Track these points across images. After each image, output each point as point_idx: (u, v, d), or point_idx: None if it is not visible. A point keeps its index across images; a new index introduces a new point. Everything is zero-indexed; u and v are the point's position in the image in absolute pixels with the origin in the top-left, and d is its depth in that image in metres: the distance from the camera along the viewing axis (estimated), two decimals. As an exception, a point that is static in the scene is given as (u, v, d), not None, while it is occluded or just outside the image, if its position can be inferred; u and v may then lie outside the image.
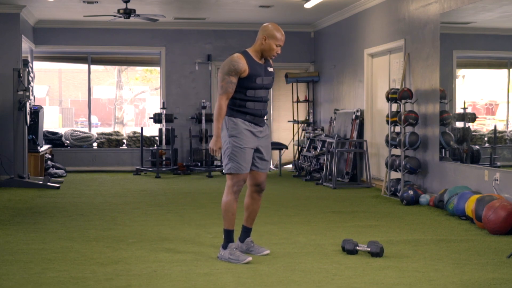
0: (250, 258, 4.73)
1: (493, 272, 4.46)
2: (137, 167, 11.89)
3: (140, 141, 12.42)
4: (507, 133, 7.46)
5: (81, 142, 12.54)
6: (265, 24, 4.87)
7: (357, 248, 4.97)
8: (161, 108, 12.43)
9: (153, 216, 7.03)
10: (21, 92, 9.69)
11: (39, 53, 12.74)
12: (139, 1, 10.22)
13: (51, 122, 20.93)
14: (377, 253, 4.88)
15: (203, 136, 12.17)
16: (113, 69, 22.45)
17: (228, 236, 4.84)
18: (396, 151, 8.76)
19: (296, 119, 12.77)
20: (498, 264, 4.72)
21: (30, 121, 10.16)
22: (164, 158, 12.24)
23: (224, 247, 4.83)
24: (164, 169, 11.77)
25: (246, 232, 5.05)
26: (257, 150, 4.89)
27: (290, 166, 13.06)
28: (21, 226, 6.29)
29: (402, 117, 8.28)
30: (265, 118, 5.00)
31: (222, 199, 4.87)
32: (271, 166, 13.03)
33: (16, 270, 4.50)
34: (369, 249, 4.91)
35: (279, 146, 12.11)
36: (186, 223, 6.55)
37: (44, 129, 11.88)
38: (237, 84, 4.78)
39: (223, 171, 4.92)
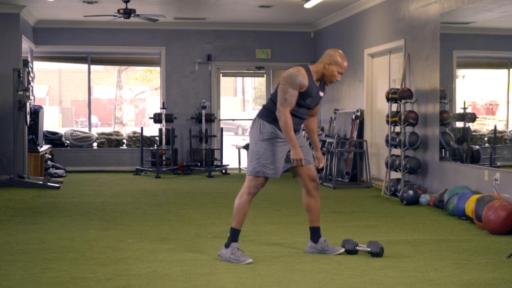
0: (250, 260, 4.72)
1: (493, 272, 4.46)
2: (137, 167, 11.89)
3: (140, 141, 12.42)
4: (507, 133, 7.46)
5: (81, 142, 12.54)
6: (331, 50, 4.86)
7: (357, 248, 4.97)
8: (161, 108, 12.43)
9: (153, 216, 7.03)
10: (21, 92, 9.69)
11: (39, 53, 12.74)
12: (139, 1, 10.22)
13: (51, 122, 20.92)
14: (377, 253, 4.88)
15: (203, 136, 12.17)
16: (113, 69, 22.45)
17: (234, 235, 4.84)
18: (396, 151, 8.76)
19: (296, 119, 12.75)
20: (498, 264, 4.72)
21: (30, 121, 10.15)
22: (164, 158, 12.24)
23: (227, 246, 4.82)
24: (164, 169, 11.78)
25: (316, 232, 5.05)
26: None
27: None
28: (21, 226, 6.29)
29: (402, 117, 8.28)
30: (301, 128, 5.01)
31: (236, 198, 4.88)
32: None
33: (16, 270, 4.50)
34: (369, 249, 4.91)
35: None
36: (186, 223, 6.55)
37: (44, 129, 11.88)
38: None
39: (247, 172, 4.91)
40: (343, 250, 5.01)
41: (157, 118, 12.13)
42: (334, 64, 4.80)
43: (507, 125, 7.43)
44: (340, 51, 4.87)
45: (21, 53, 10.80)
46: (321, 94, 4.92)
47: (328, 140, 10.45)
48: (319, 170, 10.75)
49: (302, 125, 5.04)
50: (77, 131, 12.89)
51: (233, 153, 14.14)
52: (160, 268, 4.57)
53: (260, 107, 5.14)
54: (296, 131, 4.87)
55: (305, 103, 4.81)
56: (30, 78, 10.37)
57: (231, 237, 4.84)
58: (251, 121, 5.00)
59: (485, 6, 7.24)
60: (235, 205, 4.86)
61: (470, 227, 6.26)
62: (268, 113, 4.84)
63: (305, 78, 4.73)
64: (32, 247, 5.29)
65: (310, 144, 5.56)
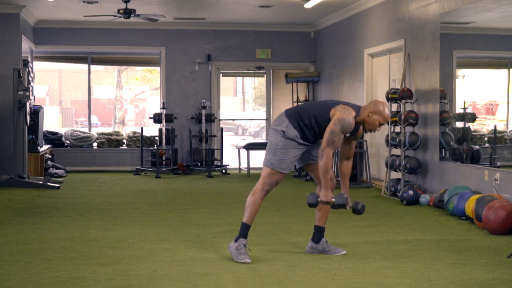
0: (248, 260, 4.73)
1: (493, 272, 4.46)
2: (137, 167, 11.89)
3: (140, 141, 12.42)
4: (507, 133, 7.46)
5: (81, 142, 12.54)
6: (378, 100, 4.88)
7: (319, 199, 4.80)
8: (161, 108, 12.43)
9: (153, 216, 7.03)
10: (21, 92, 9.69)
11: (39, 53, 12.74)
12: (139, 1, 10.22)
13: (51, 122, 20.92)
14: (340, 205, 4.71)
15: (203, 136, 12.17)
16: (113, 69, 22.44)
17: (243, 230, 4.85)
18: (396, 151, 8.76)
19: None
20: (498, 264, 4.72)
21: (30, 121, 10.15)
22: (164, 158, 12.24)
23: (236, 239, 4.85)
24: (164, 169, 11.78)
25: (321, 232, 5.05)
26: (309, 151, 4.95)
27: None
28: (21, 226, 6.29)
29: (402, 117, 8.28)
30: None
31: (250, 193, 4.90)
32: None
33: (16, 270, 4.50)
34: (334, 200, 4.75)
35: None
36: (186, 223, 6.55)
37: (44, 129, 11.88)
38: (317, 119, 4.80)
39: (263, 163, 4.92)
40: (344, 252, 5.02)
41: (157, 118, 12.13)
42: (377, 114, 4.80)
43: (507, 125, 7.43)
44: (387, 104, 4.91)
45: (21, 53, 10.80)
46: (347, 134, 4.90)
47: (328, 140, 10.43)
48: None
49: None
50: (77, 131, 12.89)
51: (233, 153, 14.14)
52: (160, 268, 4.57)
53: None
54: (311, 143, 4.92)
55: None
56: (30, 78, 10.37)
57: (240, 232, 4.86)
58: (276, 117, 5.00)
59: (485, 6, 7.24)
60: (247, 200, 4.89)
61: (470, 227, 6.26)
62: (296, 119, 4.86)
63: (353, 125, 4.78)
64: (32, 247, 5.29)
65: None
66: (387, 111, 4.84)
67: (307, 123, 4.83)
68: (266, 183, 4.88)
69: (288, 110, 5.00)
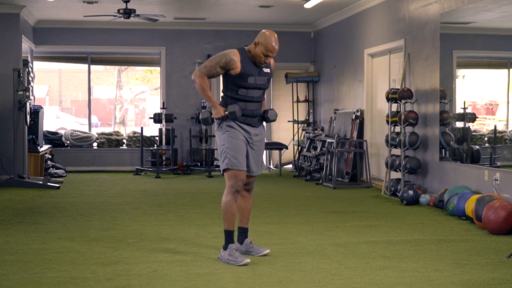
0: (248, 260, 4.71)
1: (493, 272, 4.46)
2: (137, 167, 11.89)
3: (140, 141, 12.42)
4: (507, 133, 7.46)
5: (81, 142, 12.54)
6: (263, 31, 4.80)
7: (213, 116, 4.83)
8: (161, 108, 12.44)
9: (153, 216, 7.03)
10: (21, 92, 9.69)
11: (39, 53, 12.74)
12: (139, 1, 10.22)
13: (51, 122, 20.91)
14: (232, 113, 4.71)
15: (203, 136, 12.17)
16: (113, 69, 22.44)
17: (228, 237, 4.83)
18: (396, 151, 8.76)
19: (296, 119, 12.77)
20: (498, 264, 4.72)
21: (30, 121, 10.16)
22: (164, 158, 12.24)
23: (225, 248, 4.82)
24: (164, 169, 11.78)
25: (243, 232, 5.02)
26: (249, 144, 4.87)
27: (290, 166, 13.05)
28: (21, 226, 6.29)
29: (402, 117, 8.28)
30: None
31: (221, 200, 4.87)
32: (271, 166, 13.04)
33: (16, 270, 4.50)
34: (227, 113, 4.75)
35: (279, 146, 12.11)
36: (186, 223, 6.55)
37: (44, 129, 11.88)
38: (230, 81, 4.78)
39: (221, 171, 4.90)
40: (267, 251, 4.95)
41: (157, 118, 12.12)
42: (260, 45, 4.72)
43: (507, 125, 7.43)
44: (272, 33, 4.74)
45: (21, 53, 10.80)
46: (266, 70, 4.85)
47: (328, 140, 10.45)
48: (312, 171, 10.75)
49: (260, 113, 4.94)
50: (77, 131, 12.90)
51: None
52: (160, 268, 4.57)
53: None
54: (252, 116, 4.84)
55: (250, 84, 4.77)
56: (30, 78, 10.37)
57: (226, 239, 4.83)
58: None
59: (485, 6, 7.24)
60: (221, 207, 4.85)
61: (470, 227, 6.26)
62: (225, 100, 4.83)
63: (233, 58, 4.70)
64: (32, 247, 5.29)
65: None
66: (271, 41, 4.69)
67: (229, 94, 4.78)
68: (231, 185, 4.80)
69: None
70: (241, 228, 5.03)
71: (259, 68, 4.82)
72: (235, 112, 4.73)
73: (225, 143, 4.80)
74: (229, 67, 4.72)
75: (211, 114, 4.83)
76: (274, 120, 4.93)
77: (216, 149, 12.52)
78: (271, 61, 4.92)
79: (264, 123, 5.05)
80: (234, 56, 4.72)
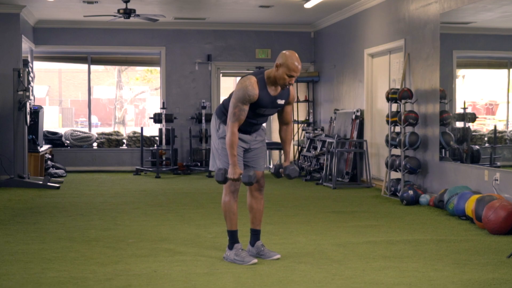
0: (255, 260, 4.70)
1: (493, 272, 4.46)
2: (137, 167, 11.89)
3: (140, 141, 12.42)
4: (507, 133, 7.46)
5: (81, 142, 12.54)
6: (283, 52, 4.62)
7: (227, 176, 4.66)
8: (161, 108, 12.44)
9: (153, 216, 7.03)
10: (21, 92, 9.69)
11: (39, 53, 12.74)
12: (139, 1, 10.22)
13: (51, 122, 20.93)
14: (246, 183, 4.59)
15: (203, 136, 12.18)
16: (113, 69, 22.46)
17: (232, 237, 4.81)
18: (396, 151, 8.76)
19: (296, 119, 12.77)
20: (498, 264, 4.72)
21: (30, 121, 10.15)
22: (164, 158, 12.24)
23: (230, 247, 4.80)
24: (164, 169, 11.78)
25: (255, 235, 4.94)
26: (248, 150, 4.84)
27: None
28: (21, 226, 6.29)
29: (402, 117, 8.28)
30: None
31: (221, 202, 4.85)
32: (271, 166, 13.03)
33: (16, 270, 4.50)
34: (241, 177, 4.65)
35: (279, 146, 12.10)
36: (186, 223, 6.55)
37: (44, 129, 11.88)
38: None
39: (210, 167, 4.88)
40: (278, 256, 4.84)
41: (157, 118, 12.13)
42: (282, 66, 4.52)
43: (507, 125, 7.43)
44: (292, 52, 4.56)
45: (21, 53, 10.80)
46: (281, 102, 4.71)
47: (328, 140, 10.45)
48: (312, 171, 10.75)
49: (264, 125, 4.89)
50: (77, 131, 12.90)
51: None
52: (160, 268, 4.57)
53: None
54: (248, 134, 4.78)
55: (257, 114, 4.68)
56: (30, 78, 10.36)
57: (231, 240, 4.81)
58: (212, 116, 4.93)
59: (485, 6, 7.24)
60: (221, 208, 4.83)
61: (470, 227, 6.26)
62: (223, 114, 4.77)
63: (254, 91, 4.54)
64: (32, 247, 5.29)
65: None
66: (293, 61, 4.51)
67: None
68: (227, 186, 4.77)
69: (217, 107, 4.89)
70: (253, 230, 4.94)
71: (273, 99, 4.66)
72: (251, 180, 4.59)
73: (218, 147, 4.79)
74: (252, 101, 4.59)
75: (225, 174, 4.67)
76: (295, 177, 4.79)
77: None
78: (292, 92, 4.78)
79: (264, 124, 5.03)
80: (254, 90, 4.55)
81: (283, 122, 4.92)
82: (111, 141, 12.72)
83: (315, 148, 11.21)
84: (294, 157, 12.58)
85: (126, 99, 23.08)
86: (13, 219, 6.76)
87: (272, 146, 12.14)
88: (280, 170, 4.80)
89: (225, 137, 4.67)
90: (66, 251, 5.13)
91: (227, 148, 4.61)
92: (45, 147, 11.32)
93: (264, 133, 5.03)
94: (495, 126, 7.63)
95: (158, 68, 13.66)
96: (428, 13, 8.19)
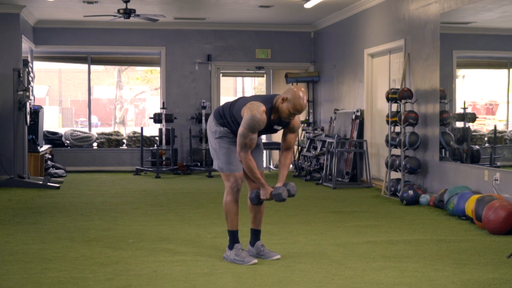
0: (255, 261, 4.71)
1: (493, 272, 4.46)
2: (137, 167, 11.89)
3: (140, 141, 12.42)
4: (507, 133, 7.46)
5: (81, 142, 12.54)
6: (291, 87, 4.63)
7: (261, 197, 4.74)
8: (161, 108, 12.44)
9: (153, 216, 7.03)
10: (21, 92, 9.69)
11: (39, 53, 12.74)
12: (139, 1, 10.22)
13: (51, 122, 20.92)
14: (278, 201, 4.66)
15: (203, 136, 12.18)
16: (113, 69, 22.44)
17: (233, 237, 4.82)
18: (396, 151, 8.76)
19: (296, 119, 12.75)
20: (498, 264, 4.72)
21: (30, 121, 10.16)
22: (164, 158, 12.24)
23: (230, 247, 4.80)
24: (164, 169, 11.78)
25: (255, 234, 4.96)
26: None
27: (290, 166, 13.04)
28: (21, 226, 6.29)
29: (402, 117, 8.28)
30: None
31: (223, 202, 4.86)
32: (271, 166, 13.04)
33: (16, 270, 4.50)
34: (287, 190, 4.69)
35: (279, 146, 12.09)
36: (186, 223, 6.55)
37: (44, 129, 11.88)
38: (238, 120, 4.66)
39: (214, 167, 4.90)
40: (278, 256, 4.85)
41: (157, 118, 12.13)
42: (288, 102, 4.56)
43: (507, 125, 7.43)
44: (302, 91, 4.56)
45: (21, 53, 10.80)
46: (278, 127, 4.76)
47: (328, 140, 10.45)
48: (312, 171, 10.76)
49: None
50: (77, 131, 12.90)
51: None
52: (160, 268, 4.58)
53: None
54: None
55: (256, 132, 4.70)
56: (30, 78, 10.36)
57: (231, 240, 4.82)
58: (209, 117, 4.96)
59: (485, 6, 7.24)
60: (223, 207, 4.84)
61: (470, 227, 6.26)
62: (221, 118, 4.79)
63: (264, 119, 4.58)
64: (32, 247, 5.29)
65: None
66: (300, 100, 4.52)
67: (230, 121, 4.73)
68: (229, 186, 4.80)
69: (215, 110, 4.91)
70: (254, 230, 4.96)
71: (272, 124, 4.70)
72: (282, 198, 4.66)
73: (216, 147, 4.81)
74: (261, 129, 4.64)
75: (257, 195, 4.75)
76: (294, 195, 4.79)
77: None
78: (297, 120, 4.79)
79: None
80: (264, 120, 4.57)
81: (285, 148, 4.97)
82: (111, 141, 12.72)
83: (315, 148, 11.21)
84: (294, 157, 12.58)
85: (126, 99, 23.07)
86: (13, 219, 6.76)
87: (272, 146, 12.15)
88: (280, 189, 4.74)
89: (224, 140, 4.74)
90: (66, 251, 5.13)
91: (249, 174, 4.67)
92: (45, 147, 11.32)
93: (260, 137, 5.03)
94: (495, 126, 7.63)
95: (158, 68, 13.66)
96: (428, 13, 8.19)
